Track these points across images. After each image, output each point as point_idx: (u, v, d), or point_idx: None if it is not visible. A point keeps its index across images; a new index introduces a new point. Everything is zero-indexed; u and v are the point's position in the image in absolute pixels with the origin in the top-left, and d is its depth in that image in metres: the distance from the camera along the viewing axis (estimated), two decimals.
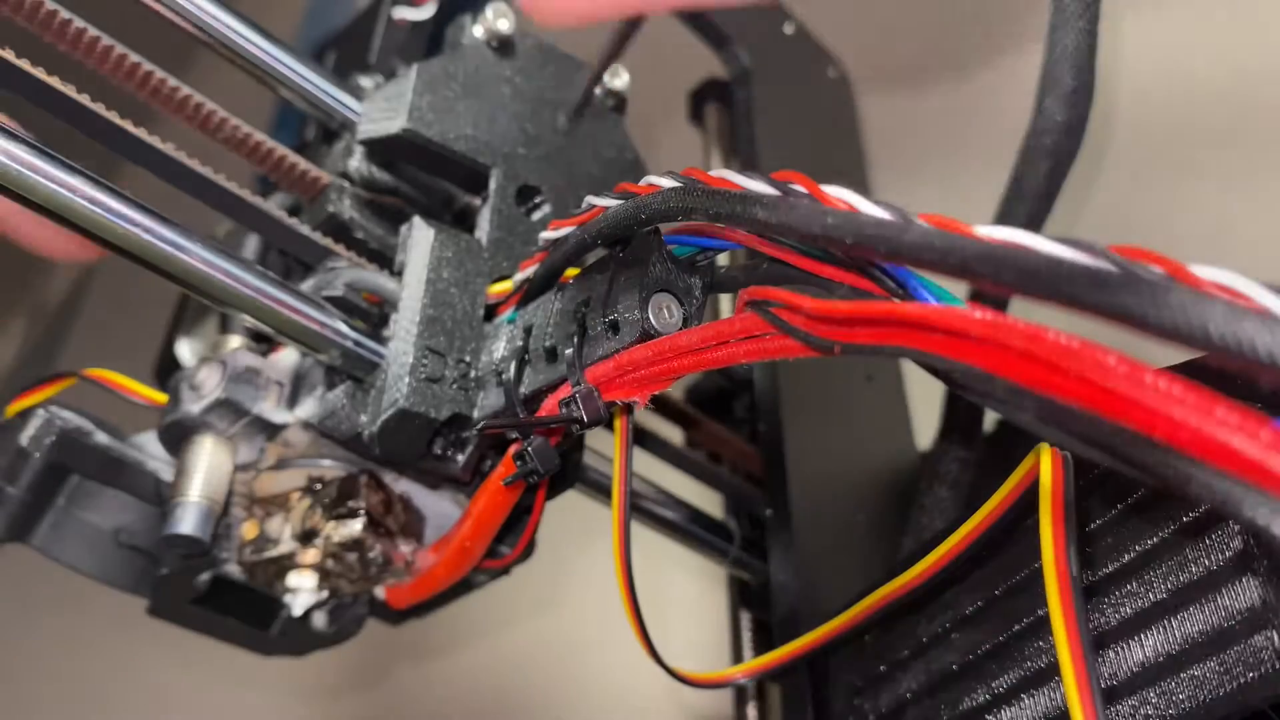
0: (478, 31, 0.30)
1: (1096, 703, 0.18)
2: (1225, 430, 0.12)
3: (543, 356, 0.24)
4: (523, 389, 0.25)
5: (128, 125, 0.24)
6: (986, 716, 0.25)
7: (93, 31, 0.25)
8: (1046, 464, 0.21)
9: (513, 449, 0.24)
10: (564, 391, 0.23)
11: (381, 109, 0.28)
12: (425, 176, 0.30)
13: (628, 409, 0.24)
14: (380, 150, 0.29)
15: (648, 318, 0.22)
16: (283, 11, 0.58)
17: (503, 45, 0.30)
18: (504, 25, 0.30)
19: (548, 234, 0.26)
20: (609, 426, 0.25)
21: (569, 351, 0.23)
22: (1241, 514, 0.12)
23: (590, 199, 0.24)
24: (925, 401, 0.45)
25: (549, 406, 0.23)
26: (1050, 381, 0.13)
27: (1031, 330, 0.14)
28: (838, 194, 0.18)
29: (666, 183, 0.22)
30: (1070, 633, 0.19)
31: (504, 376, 0.25)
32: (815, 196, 0.18)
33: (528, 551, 0.29)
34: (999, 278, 0.14)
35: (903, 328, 0.16)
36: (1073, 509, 0.21)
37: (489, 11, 0.30)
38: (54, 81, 0.23)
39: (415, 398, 0.24)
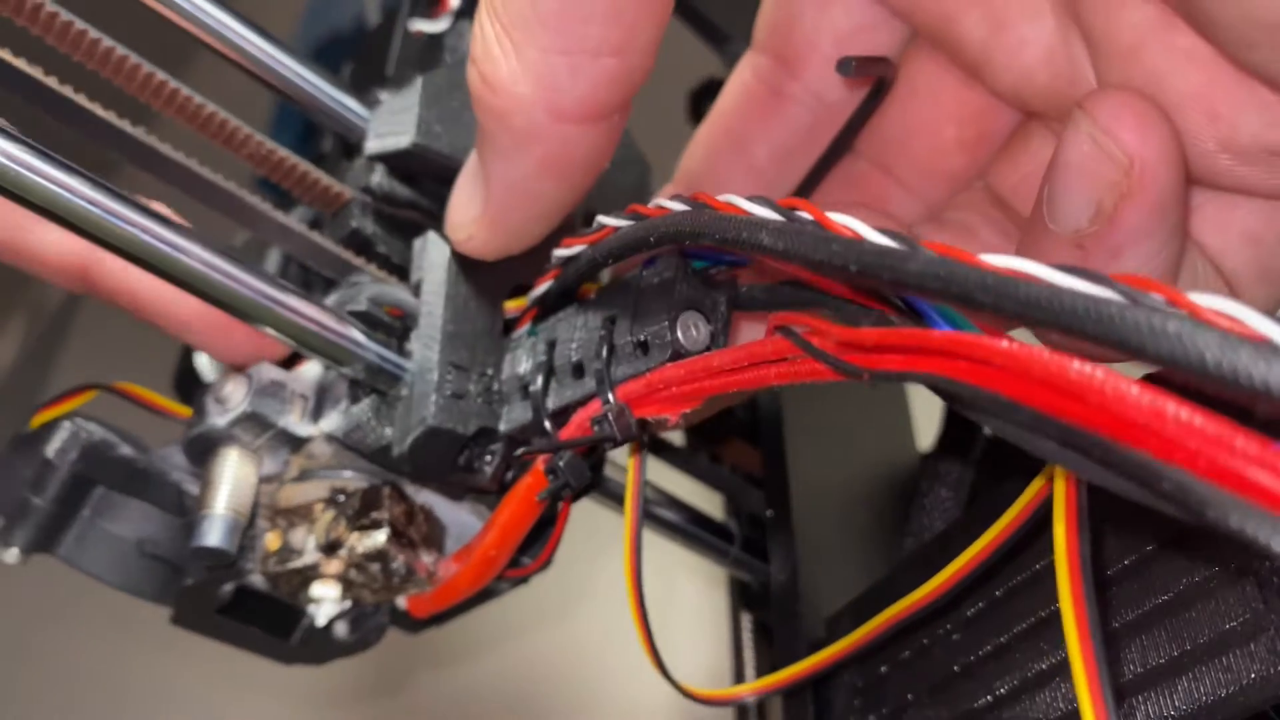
0: None
1: (1108, 701, 0.19)
2: (1243, 461, 0.12)
3: (569, 371, 0.25)
4: (550, 404, 0.25)
5: (154, 142, 0.24)
6: (988, 718, 0.26)
7: (107, 41, 0.25)
8: (1061, 474, 0.21)
9: (540, 462, 0.24)
10: (593, 408, 0.23)
11: (389, 123, 0.29)
12: (444, 190, 0.30)
13: (644, 428, 0.25)
14: (391, 165, 0.29)
15: (678, 338, 0.22)
16: (283, 11, 0.58)
17: None
18: None
19: (560, 251, 0.26)
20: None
21: (598, 368, 0.24)
22: (1258, 541, 0.12)
23: (600, 219, 0.24)
24: (925, 402, 0.45)
25: (578, 421, 0.24)
26: (1072, 410, 0.14)
27: (1057, 361, 0.14)
28: (843, 221, 0.18)
29: (675, 205, 0.22)
30: (1082, 634, 0.19)
31: (531, 389, 0.25)
32: (821, 223, 0.18)
33: (547, 561, 0.30)
34: (1000, 307, 0.14)
35: (929, 355, 0.16)
36: (1085, 515, 0.21)
37: None
38: (91, 104, 0.23)
39: (442, 415, 0.25)
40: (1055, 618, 0.24)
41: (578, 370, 0.25)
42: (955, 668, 0.27)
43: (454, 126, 0.29)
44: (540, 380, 0.25)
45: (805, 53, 0.28)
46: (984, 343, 0.15)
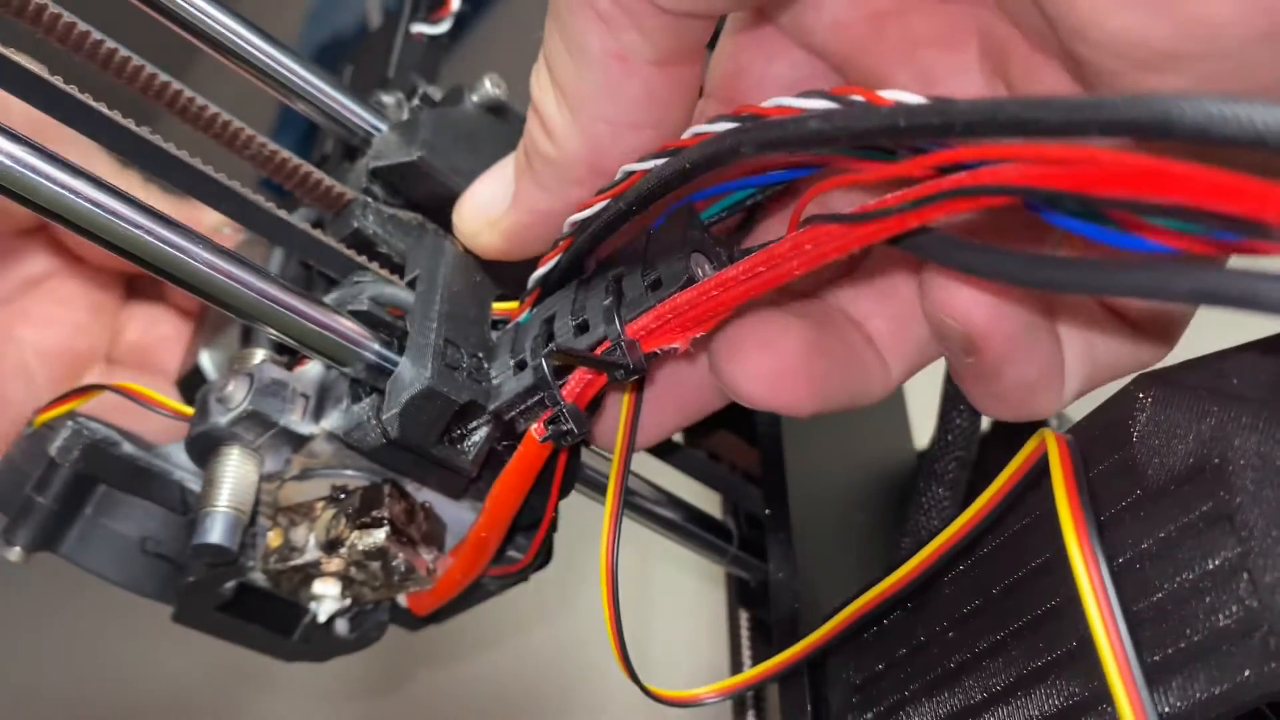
0: (475, 98, 0.33)
1: (1138, 678, 0.19)
2: None
3: (571, 331, 0.25)
4: (555, 361, 0.25)
5: (158, 141, 0.24)
6: (984, 714, 0.26)
7: (110, 43, 0.25)
8: (1053, 445, 0.22)
9: (538, 424, 0.25)
10: (601, 349, 0.24)
11: (395, 146, 0.30)
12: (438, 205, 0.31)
13: (640, 385, 0.25)
14: (393, 180, 0.30)
15: (690, 267, 0.23)
16: (284, 13, 0.58)
17: (497, 109, 0.33)
18: (498, 92, 0.33)
19: (577, 215, 0.26)
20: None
21: (607, 303, 0.24)
22: None
23: (627, 167, 0.24)
24: (924, 402, 0.45)
25: (580, 374, 0.24)
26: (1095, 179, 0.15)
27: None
28: (893, 95, 0.19)
29: (715, 127, 0.22)
30: (1103, 606, 0.19)
31: (531, 362, 0.25)
32: (869, 99, 0.20)
33: (546, 558, 0.30)
34: (1046, 117, 0.16)
35: (967, 170, 0.17)
36: (1085, 483, 0.21)
37: (486, 82, 0.33)
38: (96, 104, 0.23)
39: (439, 379, 0.25)
40: (1052, 615, 0.24)
41: (582, 328, 0.25)
42: (951, 664, 0.27)
43: (452, 154, 0.30)
44: (542, 342, 0.25)
45: (753, 100, 0.30)
46: (1019, 144, 0.16)
